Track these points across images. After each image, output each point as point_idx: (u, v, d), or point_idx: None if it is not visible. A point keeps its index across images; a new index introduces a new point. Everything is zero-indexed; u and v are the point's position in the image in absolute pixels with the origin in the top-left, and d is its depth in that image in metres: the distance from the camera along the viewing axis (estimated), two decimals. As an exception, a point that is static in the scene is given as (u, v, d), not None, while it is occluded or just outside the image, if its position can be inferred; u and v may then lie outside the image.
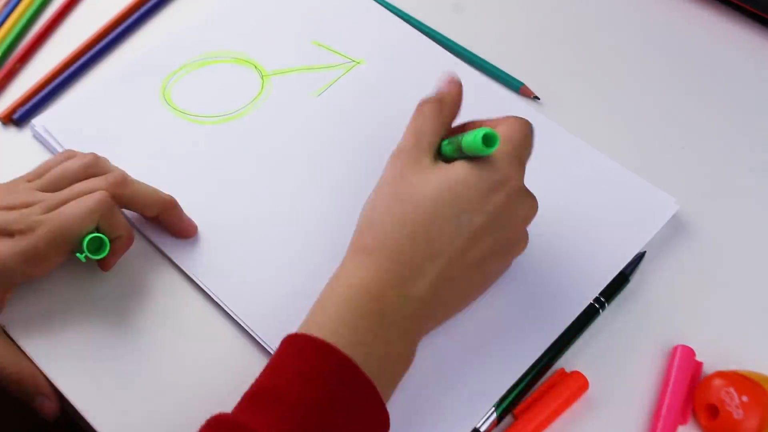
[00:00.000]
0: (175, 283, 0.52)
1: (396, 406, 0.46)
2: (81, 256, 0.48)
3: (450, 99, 0.48)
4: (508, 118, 0.47)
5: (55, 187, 0.51)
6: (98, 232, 0.49)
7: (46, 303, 0.51)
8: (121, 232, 0.50)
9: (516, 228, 0.45)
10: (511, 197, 0.44)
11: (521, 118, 0.47)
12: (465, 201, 0.43)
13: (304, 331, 0.41)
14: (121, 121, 0.58)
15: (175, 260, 0.52)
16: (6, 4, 0.67)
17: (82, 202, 0.49)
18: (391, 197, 0.44)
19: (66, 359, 0.49)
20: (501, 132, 0.45)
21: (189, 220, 0.53)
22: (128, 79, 0.61)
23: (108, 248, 0.49)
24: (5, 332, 0.50)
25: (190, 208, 0.54)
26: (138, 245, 0.52)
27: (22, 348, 0.50)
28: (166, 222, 0.52)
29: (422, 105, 0.48)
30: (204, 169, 0.56)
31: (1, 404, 0.72)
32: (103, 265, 0.51)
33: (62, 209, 0.49)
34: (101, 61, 0.64)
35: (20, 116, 0.60)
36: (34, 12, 0.66)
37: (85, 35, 0.64)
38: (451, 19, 0.64)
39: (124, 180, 0.51)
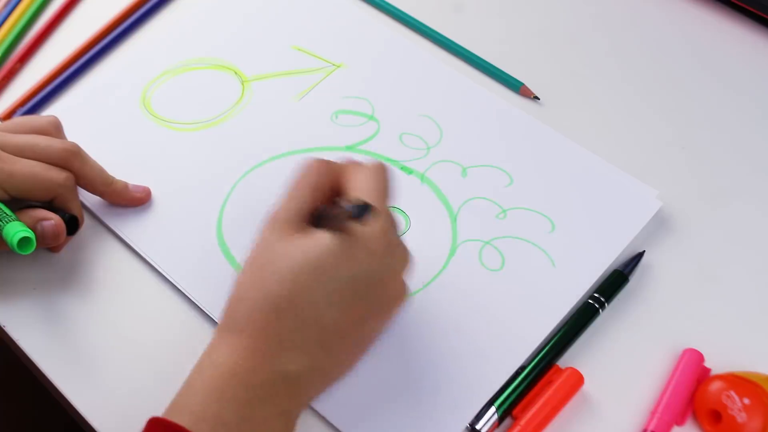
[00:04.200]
0: (169, 292, 0.52)
1: (390, 406, 0.46)
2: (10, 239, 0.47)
3: (337, 167, 0.45)
4: (362, 167, 0.45)
5: (15, 129, 0.52)
6: (54, 208, 0.50)
7: (46, 303, 0.51)
8: (76, 213, 0.51)
9: (389, 284, 0.43)
10: (376, 254, 0.42)
11: (376, 164, 0.45)
12: (330, 266, 0.41)
13: (169, 414, 0.40)
14: (101, 131, 0.58)
15: (165, 273, 0.52)
16: (6, 4, 0.67)
17: (48, 170, 0.50)
18: (257, 270, 0.42)
19: (66, 359, 0.49)
20: (356, 185, 0.43)
21: (134, 193, 0.54)
22: (108, 87, 0.61)
23: (34, 246, 0.48)
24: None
25: (173, 214, 0.54)
26: (133, 259, 0.53)
27: (22, 348, 0.50)
28: (109, 201, 0.54)
29: (307, 162, 0.45)
30: (186, 176, 0.56)
31: (2, 405, 0.72)
32: (55, 247, 0.53)
33: (24, 164, 0.49)
34: (101, 61, 0.64)
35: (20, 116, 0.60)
36: (34, 12, 0.66)
37: (85, 35, 0.64)
38: (451, 19, 0.64)
39: (79, 152, 0.52)
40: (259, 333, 0.40)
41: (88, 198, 0.55)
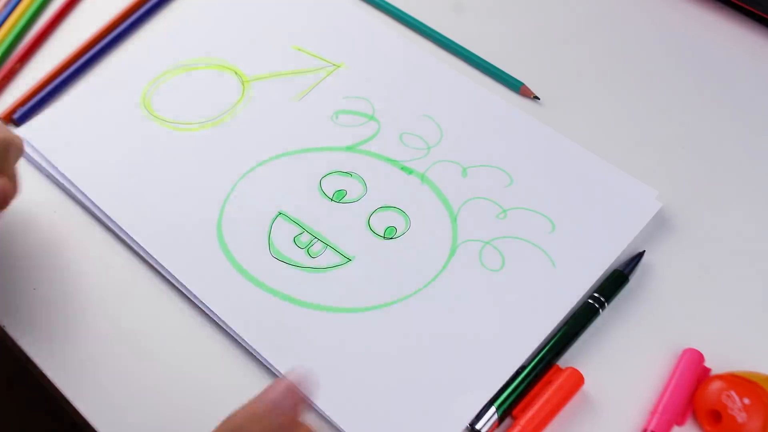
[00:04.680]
0: (169, 292, 0.52)
1: (391, 405, 0.46)
2: None
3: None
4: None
5: None
6: None
7: (46, 303, 0.51)
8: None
9: None
10: None
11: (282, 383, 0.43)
12: None
13: None
14: (101, 132, 0.58)
15: (165, 272, 0.52)
16: (6, 4, 0.67)
17: None
18: None
19: (66, 359, 0.49)
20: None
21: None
22: (108, 87, 0.61)
23: None
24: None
25: (173, 214, 0.54)
26: (133, 258, 0.53)
27: (22, 348, 0.50)
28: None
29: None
30: (186, 176, 0.56)
31: (2, 405, 0.73)
32: None
33: None
34: (102, 61, 0.64)
35: (20, 116, 0.60)
36: (34, 12, 0.66)
37: (85, 35, 0.64)
38: (451, 19, 0.64)
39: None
40: None
41: (88, 198, 0.55)
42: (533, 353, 0.48)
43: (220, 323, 0.50)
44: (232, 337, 0.49)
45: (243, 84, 0.61)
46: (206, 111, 0.59)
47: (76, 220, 0.55)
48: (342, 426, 0.46)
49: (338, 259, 0.52)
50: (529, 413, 0.46)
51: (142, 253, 0.53)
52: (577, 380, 0.47)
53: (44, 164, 0.57)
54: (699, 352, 0.48)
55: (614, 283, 0.50)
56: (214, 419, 0.47)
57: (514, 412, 0.46)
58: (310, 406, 0.46)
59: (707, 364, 0.48)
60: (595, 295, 0.50)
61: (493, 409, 0.46)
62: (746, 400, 0.44)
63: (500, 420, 0.46)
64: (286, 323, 0.49)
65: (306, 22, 0.64)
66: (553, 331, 0.49)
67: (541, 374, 0.47)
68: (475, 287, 0.51)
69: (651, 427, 0.45)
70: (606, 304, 0.50)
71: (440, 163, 0.56)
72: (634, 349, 0.49)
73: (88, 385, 0.48)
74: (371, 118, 0.58)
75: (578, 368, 0.47)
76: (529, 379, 0.47)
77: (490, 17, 0.65)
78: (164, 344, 0.50)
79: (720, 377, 0.46)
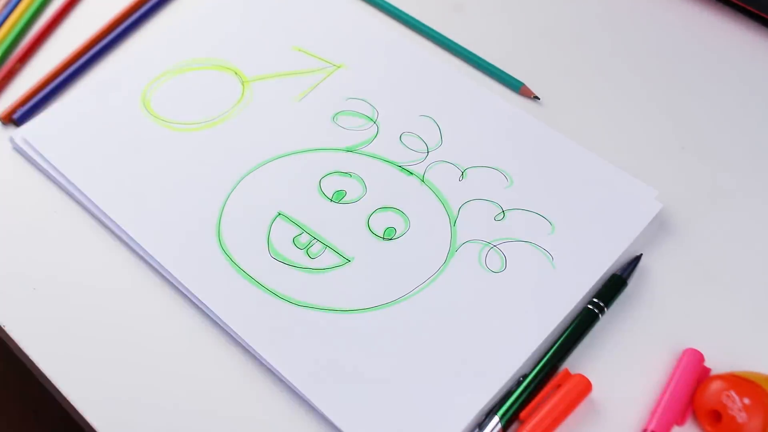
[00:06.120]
0: (169, 292, 0.52)
1: (389, 406, 0.46)
2: None
3: None
4: None
5: None
6: None
7: (46, 303, 0.51)
8: None
9: None
10: None
11: None
12: None
13: None
14: (101, 132, 0.58)
15: (165, 273, 0.52)
16: (6, 4, 0.67)
17: None
18: None
19: (66, 359, 0.49)
20: None
21: None
22: (109, 87, 0.61)
23: None
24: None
25: (172, 214, 0.54)
26: (132, 258, 0.53)
27: (22, 348, 0.50)
28: None
29: None
30: (186, 176, 0.56)
31: (2, 404, 0.73)
32: None
33: None
34: (101, 61, 0.64)
35: (20, 116, 0.60)
36: (34, 12, 0.66)
37: (86, 35, 0.64)
38: (451, 19, 0.64)
39: None
40: None
41: (88, 198, 0.55)
42: (533, 357, 0.48)
43: (220, 323, 0.50)
44: (232, 337, 0.49)
45: (243, 84, 0.61)
46: (206, 111, 0.59)
47: (76, 220, 0.55)
48: (340, 426, 0.46)
49: (337, 260, 0.52)
50: (536, 419, 0.45)
51: (141, 252, 0.53)
52: (584, 386, 0.47)
53: (44, 164, 0.57)
54: (699, 352, 0.48)
55: (613, 287, 0.50)
56: (212, 419, 0.47)
57: (521, 415, 0.46)
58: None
59: (707, 364, 0.48)
60: (594, 300, 0.50)
61: (496, 418, 0.46)
62: (746, 400, 0.44)
63: (505, 428, 0.46)
64: (285, 324, 0.49)
65: (306, 23, 0.64)
66: (553, 335, 0.49)
67: (544, 380, 0.47)
68: (474, 288, 0.50)
69: (651, 427, 0.45)
70: (605, 308, 0.50)
71: (440, 164, 0.56)
72: (633, 349, 0.49)
73: (88, 385, 0.48)
74: (371, 119, 0.58)
75: (578, 370, 0.47)
76: (531, 387, 0.47)
77: (490, 17, 0.65)
78: (164, 344, 0.50)
79: (720, 377, 0.46)
